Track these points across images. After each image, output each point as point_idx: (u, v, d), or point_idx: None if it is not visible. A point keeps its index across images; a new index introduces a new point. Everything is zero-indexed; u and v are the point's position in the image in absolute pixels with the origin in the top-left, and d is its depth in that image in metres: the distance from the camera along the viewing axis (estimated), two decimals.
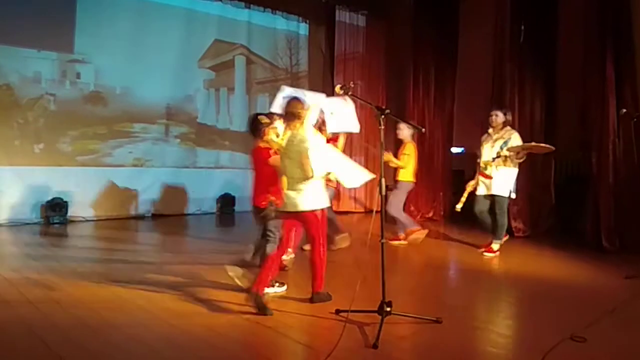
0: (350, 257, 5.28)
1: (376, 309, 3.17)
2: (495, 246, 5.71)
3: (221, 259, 5.19)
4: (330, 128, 4.80)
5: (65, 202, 7.37)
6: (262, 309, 3.39)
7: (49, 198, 7.28)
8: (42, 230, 6.83)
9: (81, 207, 7.60)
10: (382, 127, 3.36)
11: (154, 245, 6.36)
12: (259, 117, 4.05)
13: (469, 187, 5.80)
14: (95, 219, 7.67)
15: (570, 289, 4.41)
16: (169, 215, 8.37)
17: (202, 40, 8.85)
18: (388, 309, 3.15)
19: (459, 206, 5.76)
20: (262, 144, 4.02)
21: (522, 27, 7.16)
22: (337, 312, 3.38)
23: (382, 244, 3.29)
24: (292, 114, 3.64)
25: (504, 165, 5.58)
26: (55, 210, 7.26)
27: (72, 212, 7.46)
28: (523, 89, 7.22)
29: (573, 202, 6.82)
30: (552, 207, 7.25)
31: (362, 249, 5.66)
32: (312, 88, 8.13)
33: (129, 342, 2.94)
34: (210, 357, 2.79)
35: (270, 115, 4.08)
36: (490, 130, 5.79)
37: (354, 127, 4.79)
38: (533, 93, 7.25)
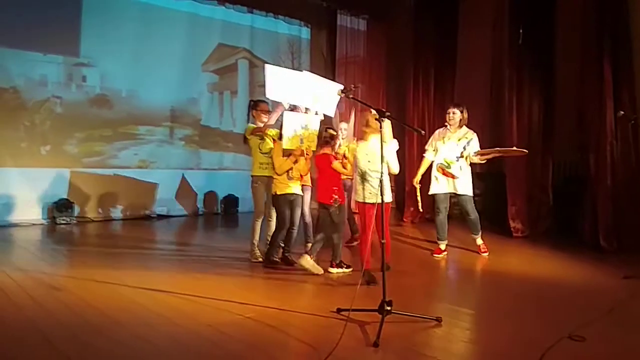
0: (353, 257, 5.35)
1: (377, 307, 3.20)
2: (480, 240, 5.75)
3: (225, 258, 5.32)
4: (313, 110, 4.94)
5: (72, 202, 7.47)
6: (372, 280, 4.18)
7: (56, 199, 7.38)
8: (48, 231, 6.91)
9: (87, 208, 7.71)
10: (383, 129, 3.45)
11: (159, 246, 6.42)
12: (329, 130, 4.82)
13: (418, 185, 5.70)
14: (100, 219, 7.76)
15: (569, 288, 4.44)
16: (174, 215, 8.48)
17: (206, 44, 8.93)
18: (388, 308, 3.17)
19: (420, 207, 5.81)
20: (327, 151, 4.79)
21: (521, 29, 7.20)
22: (338, 310, 3.44)
23: (383, 244, 3.37)
24: (374, 128, 4.42)
25: (466, 163, 5.56)
26: (61, 211, 7.35)
27: (78, 212, 7.56)
28: (521, 91, 7.25)
29: (571, 203, 6.86)
30: (551, 208, 7.28)
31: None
32: None
33: (134, 341, 2.95)
34: (213, 356, 2.81)
35: (334, 129, 4.97)
36: (449, 127, 5.63)
37: (330, 111, 4.97)
38: (531, 94, 7.27)
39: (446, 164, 5.56)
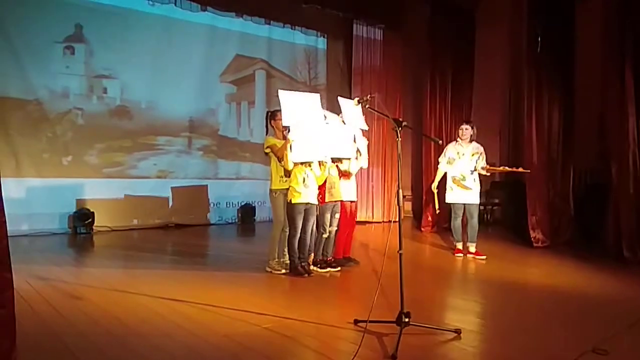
0: (369, 267, 5.33)
1: (394, 319, 3.16)
2: (474, 248, 6.15)
3: (242, 268, 5.33)
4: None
5: (92, 212, 7.58)
6: (345, 264, 5.26)
7: (76, 209, 7.51)
8: (69, 240, 7.01)
9: (107, 218, 7.82)
10: (399, 139, 3.43)
11: (177, 255, 6.46)
12: None
13: (435, 190, 6.14)
14: (120, 229, 7.86)
15: (591, 300, 4.35)
16: (192, 225, 8.55)
17: (224, 56, 9.05)
18: (407, 319, 3.13)
19: (438, 209, 6.25)
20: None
21: (539, 36, 7.14)
22: (356, 322, 3.42)
23: (400, 254, 3.33)
24: None
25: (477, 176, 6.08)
26: (82, 221, 7.46)
27: (98, 222, 7.67)
28: (540, 98, 7.17)
29: (593, 212, 6.75)
30: (572, 217, 7.17)
31: (379, 259, 5.73)
32: (330, 101, 8.24)
33: (153, 352, 2.97)
34: None
35: None
36: (462, 143, 6.11)
37: (356, 125, 4.97)
38: (551, 102, 7.20)
39: (461, 177, 6.07)
